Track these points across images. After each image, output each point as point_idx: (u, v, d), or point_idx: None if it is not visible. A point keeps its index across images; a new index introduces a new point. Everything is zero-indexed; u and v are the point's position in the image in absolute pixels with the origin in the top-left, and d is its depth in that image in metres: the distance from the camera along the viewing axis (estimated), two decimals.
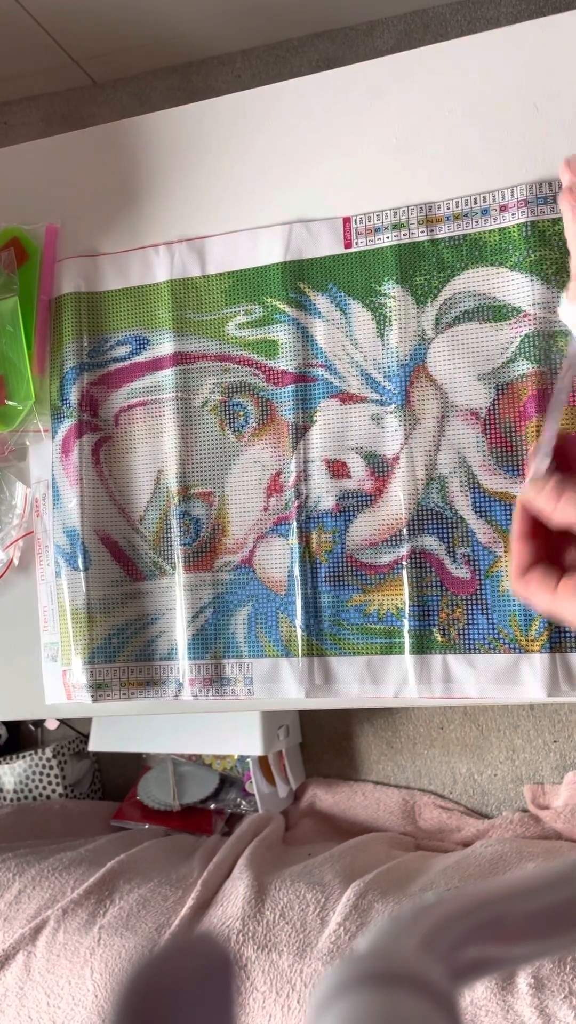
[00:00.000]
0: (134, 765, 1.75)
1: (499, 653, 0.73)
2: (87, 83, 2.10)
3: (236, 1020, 0.25)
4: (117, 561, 0.84)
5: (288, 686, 0.79)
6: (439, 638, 0.75)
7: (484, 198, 0.77)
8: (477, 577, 0.74)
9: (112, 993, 0.24)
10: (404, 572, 0.76)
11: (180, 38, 1.95)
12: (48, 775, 1.71)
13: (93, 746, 1.62)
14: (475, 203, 0.77)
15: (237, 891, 1.21)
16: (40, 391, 0.85)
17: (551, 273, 0.74)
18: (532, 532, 0.65)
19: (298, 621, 0.78)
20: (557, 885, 0.32)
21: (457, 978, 0.27)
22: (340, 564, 0.78)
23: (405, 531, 0.76)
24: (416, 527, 0.76)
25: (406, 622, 0.76)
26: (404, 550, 0.76)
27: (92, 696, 0.82)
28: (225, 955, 0.27)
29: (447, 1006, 0.26)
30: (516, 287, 0.75)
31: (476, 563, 0.74)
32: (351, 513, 0.78)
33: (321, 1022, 0.25)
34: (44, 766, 1.71)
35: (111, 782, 1.83)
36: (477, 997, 0.97)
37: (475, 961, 0.28)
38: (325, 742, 1.74)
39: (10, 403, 0.85)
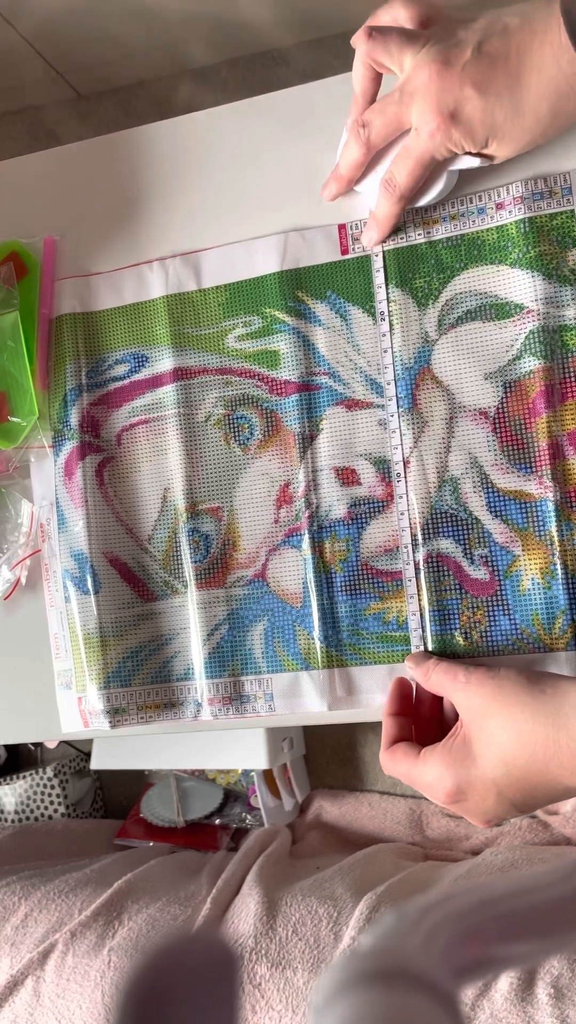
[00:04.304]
0: (136, 782, 1.73)
1: (524, 654, 0.73)
2: (72, 96, 2.09)
3: (240, 1018, 0.25)
4: (127, 583, 0.83)
5: (310, 700, 0.78)
6: (462, 642, 0.74)
7: (480, 197, 0.77)
8: (496, 578, 0.74)
9: (116, 991, 0.24)
10: (422, 577, 0.75)
11: (164, 49, 1.94)
12: (50, 795, 1.69)
13: (95, 764, 1.61)
14: (471, 202, 0.77)
15: (248, 908, 1.20)
16: (43, 406, 0.84)
17: (552, 268, 0.74)
18: (401, 710, 0.73)
19: (316, 633, 0.78)
20: (561, 882, 0.31)
21: (460, 976, 0.27)
22: (356, 572, 0.77)
23: (420, 535, 0.76)
24: (431, 530, 0.75)
25: (428, 627, 0.75)
26: (420, 555, 0.75)
27: (110, 722, 0.81)
28: (229, 952, 0.26)
29: (449, 1004, 0.25)
30: (517, 284, 0.75)
31: (494, 564, 0.74)
32: (364, 520, 0.77)
33: (323, 1021, 0.25)
34: (45, 786, 1.69)
35: (113, 800, 1.82)
36: (497, 1009, 0.96)
37: (478, 959, 0.28)
38: (329, 753, 1.73)
39: (13, 419, 0.83)
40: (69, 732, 0.84)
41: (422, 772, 0.67)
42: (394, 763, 0.70)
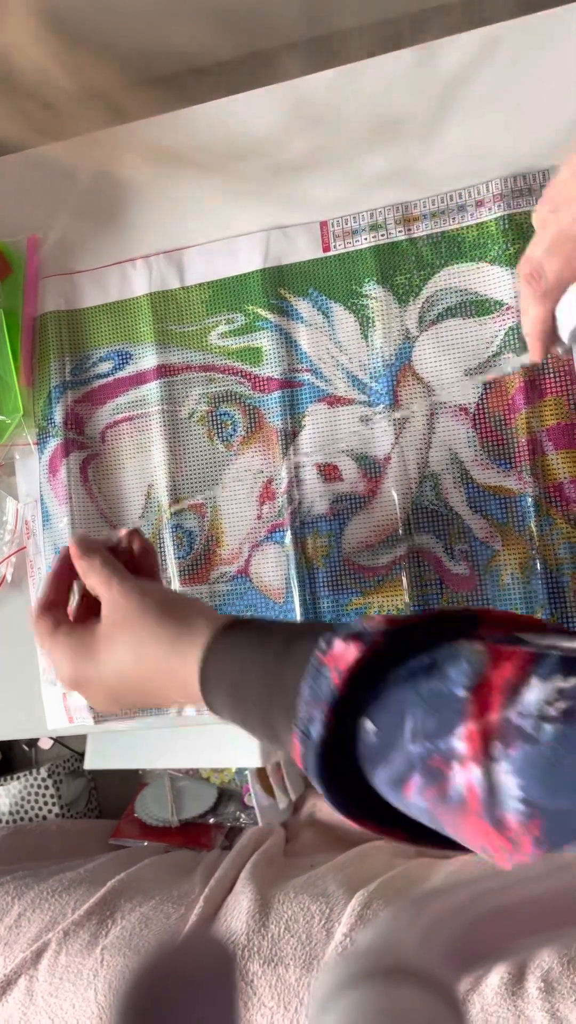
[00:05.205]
0: (130, 782, 1.73)
1: None
2: (61, 92, 2.08)
3: (238, 1019, 0.25)
4: None
5: None
6: None
7: (460, 195, 0.77)
8: (476, 573, 0.74)
9: (114, 995, 0.24)
10: (403, 572, 0.75)
11: (151, 47, 1.93)
12: (44, 795, 1.69)
13: (89, 764, 1.61)
14: (451, 200, 0.78)
15: (240, 906, 1.20)
16: (28, 403, 0.85)
17: None
18: (66, 577, 0.72)
19: None
20: (552, 874, 0.31)
21: (459, 970, 0.27)
22: (338, 568, 0.77)
23: (401, 531, 0.76)
24: (412, 526, 0.76)
25: None
26: (401, 550, 0.76)
27: (94, 718, 0.81)
28: (227, 953, 0.26)
29: (449, 999, 0.25)
30: (497, 281, 0.75)
31: (475, 559, 0.74)
32: (346, 516, 0.78)
33: (322, 1020, 0.25)
34: (39, 786, 1.69)
35: (107, 800, 1.82)
36: (487, 1003, 0.96)
37: (477, 953, 0.28)
38: None
39: None
40: (54, 728, 0.84)
41: (52, 647, 0.69)
42: (36, 626, 0.70)
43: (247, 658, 0.59)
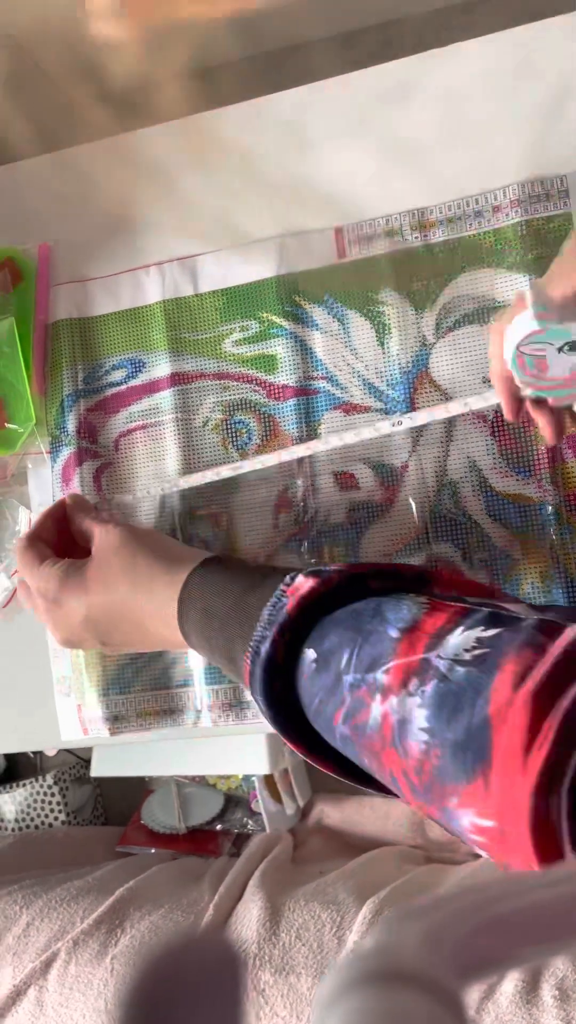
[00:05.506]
0: (136, 789, 1.73)
1: None
2: (69, 98, 2.08)
3: (244, 1019, 0.25)
4: None
5: None
6: None
7: (476, 200, 0.77)
8: (496, 582, 0.73)
9: (118, 997, 0.24)
10: None
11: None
12: (50, 802, 1.69)
13: (95, 771, 1.60)
14: (468, 206, 0.77)
15: (251, 914, 1.19)
16: (40, 412, 0.84)
17: None
18: (53, 517, 0.77)
19: None
20: (566, 881, 0.31)
21: (464, 976, 0.27)
22: None
23: (419, 540, 0.75)
24: (430, 535, 0.75)
25: None
26: (420, 559, 0.75)
27: (110, 729, 0.81)
28: (232, 953, 0.26)
29: (453, 1005, 0.25)
30: (514, 287, 0.75)
31: (494, 568, 0.74)
32: (363, 525, 0.77)
33: (325, 1023, 0.24)
34: (46, 793, 1.69)
35: (113, 807, 1.81)
36: (502, 1011, 0.96)
37: (482, 959, 0.28)
38: None
39: (10, 426, 0.83)
40: (68, 740, 0.83)
41: (37, 575, 0.72)
42: (22, 555, 0.74)
43: (224, 588, 0.64)
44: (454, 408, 0.74)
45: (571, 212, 0.74)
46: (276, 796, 1.58)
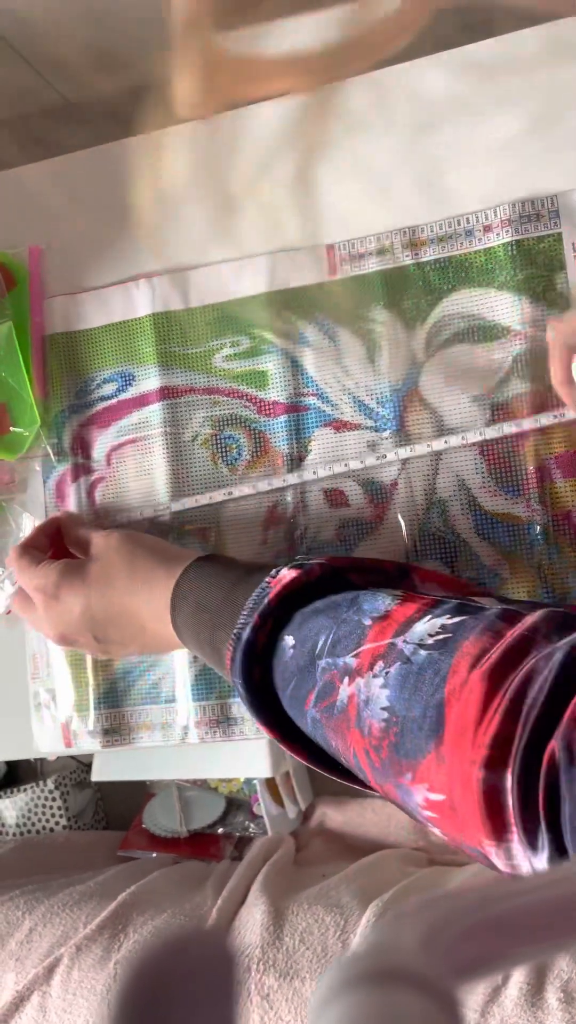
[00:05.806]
0: (137, 793, 1.73)
1: None
2: (60, 103, 2.07)
3: (238, 1018, 0.25)
4: None
5: None
6: None
7: (468, 219, 0.77)
8: None
9: (113, 991, 0.24)
10: None
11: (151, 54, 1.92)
12: (51, 807, 1.69)
13: (96, 775, 1.61)
14: (459, 225, 0.77)
15: (254, 918, 1.19)
16: (43, 414, 0.84)
17: (539, 291, 0.74)
18: (47, 531, 0.79)
19: None
20: (563, 883, 0.31)
21: (459, 976, 0.27)
22: None
23: (408, 557, 0.75)
24: (419, 552, 0.75)
25: None
26: None
27: (101, 743, 0.81)
28: (227, 950, 0.26)
29: (446, 1004, 0.25)
30: (505, 307, 0.75)
31: (483, 586, 0.74)
32: (352, 542, 0.77)
33: (320, 1022, 0.25)
34: (46, 798, 1.69)
35: (114, 811, 1.81)
36: (507, 1014, 0.96)
37: (477, 958, 0.28)
38: None
39: (15, 429, 0.83)
40: (48, 751, 0.85)
41: (36, 573, 0.74)
42: (17, 561, 0.76)
43: (215, 582, 0.66)
44: (436, 445, 0.75)
45: (562, 232, 0.74)
46: (278, 799, 1.59)
